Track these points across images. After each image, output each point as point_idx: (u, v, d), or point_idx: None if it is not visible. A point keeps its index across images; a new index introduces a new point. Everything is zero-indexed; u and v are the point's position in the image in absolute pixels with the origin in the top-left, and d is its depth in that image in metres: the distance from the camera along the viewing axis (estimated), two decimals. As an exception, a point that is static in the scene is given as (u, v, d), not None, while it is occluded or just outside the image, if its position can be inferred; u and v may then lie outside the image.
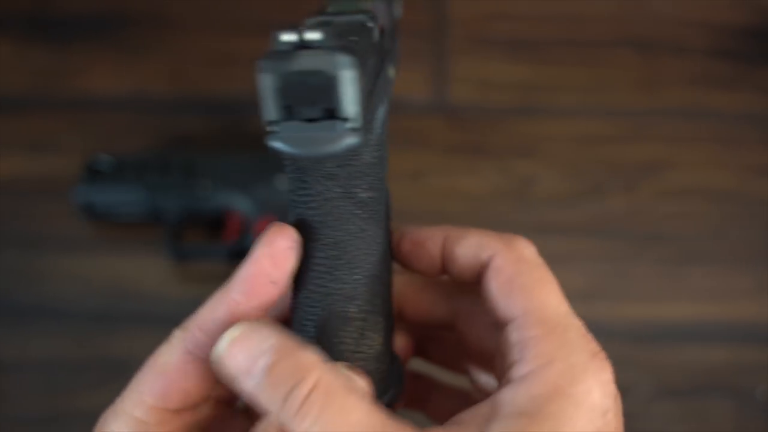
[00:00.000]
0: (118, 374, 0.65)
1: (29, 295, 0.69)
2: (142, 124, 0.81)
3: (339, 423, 0.30)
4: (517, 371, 0.33)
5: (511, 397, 0.32)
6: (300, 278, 0.36)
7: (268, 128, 0.32)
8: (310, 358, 0.31)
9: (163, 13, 0.86)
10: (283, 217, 0.72)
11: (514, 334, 0.34)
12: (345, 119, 0.32)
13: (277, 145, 0.32)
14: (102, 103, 0.81)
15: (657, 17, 0.87)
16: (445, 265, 0.39)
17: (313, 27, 0.31)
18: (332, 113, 0.32)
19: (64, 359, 0.66)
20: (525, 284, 0.35)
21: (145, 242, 0.72)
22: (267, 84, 0.31)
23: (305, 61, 0.31)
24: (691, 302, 0.70)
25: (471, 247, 0.37)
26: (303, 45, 0.31)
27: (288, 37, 0.31)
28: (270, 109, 0.32)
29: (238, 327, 0.33)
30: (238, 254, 0.71)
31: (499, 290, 0.35)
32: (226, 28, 0.86)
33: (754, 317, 0.69)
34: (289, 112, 0.32)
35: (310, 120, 0.32)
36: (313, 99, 0.32)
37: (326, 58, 0.31)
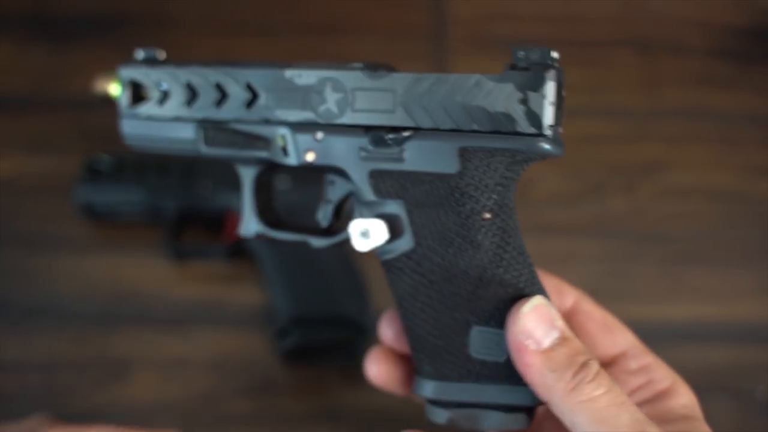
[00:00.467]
0: (118, 374, 0.65)
1: (29, 295, 0.69)
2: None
3: (623, 397, 0.38)
4: (655, 388, 0.44)
5: (670, 406, 0.44)
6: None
7: (547, 131, 0.39)
8: (584, 347, 0.40)
9: (163, 13, 0.86)
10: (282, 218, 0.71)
11: (632, 363, 0.45)
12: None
13: (549, 149, 0.40)
14: (102, 103, 0.81)
15: (657, 17, 0.87)
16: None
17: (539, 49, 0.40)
18: (560, 119, 0.40)
19: (65, 359, 0.66)
20: (615, 323, 0.46)
21: (145, 242, 0.72)
22: (554, 90, 0.39)
23: (562, 75, 0.40)
24: (690, 302, 0.70)
25: (553, 287, 0.47)
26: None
27: (554, 53, 0.40)
28: (549, 114, 0.39)
29: (539, 298, 0.41)
30: (237, 254, 0.71)
31: (599, 331, 0.46)
32: (226, 28, 0.86)
33: (754, 317, 0.69)
34: (557, 116, 0.40)
35: (557, 123, 0.40)
36: (560, 106, 0.40)
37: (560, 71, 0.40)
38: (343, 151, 0.43)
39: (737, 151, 0.79)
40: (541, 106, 0.39)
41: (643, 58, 0.84)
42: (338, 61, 0.45)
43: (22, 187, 0.76)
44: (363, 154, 0.43)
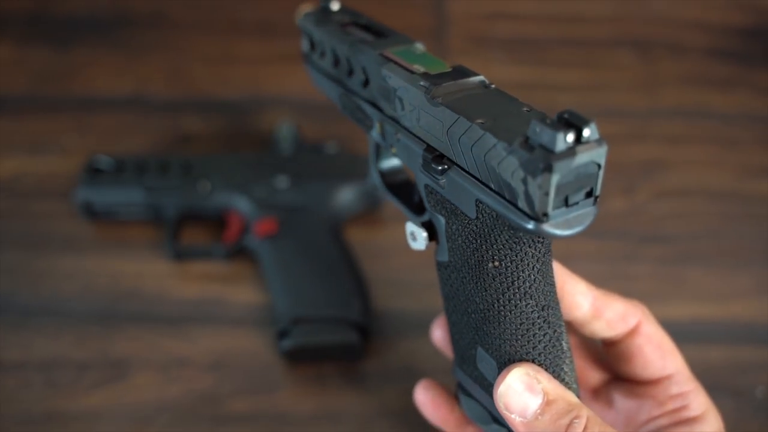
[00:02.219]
0: (118, 374, 0.65)
1: (29, 295, 0.69)
2: (142, 124, 0.81)
3: None
4: (686, 414, 0.48)
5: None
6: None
7: (540, 218, 0.37)
8: (575, 398, 0.41)
9: (163, 13, 0.86)
10: (281, 217, 0.72)
11: (674, 388, 0.48)
12: (596, 197, 0.38)
13: (551, 231, 0.37)
14: (102, 103, 0.81)
15: (657, 17, 0.87)
16: (590, 321, 0.49)
17: (577, 120, 0.35)
18: (590, 193, 0.37)
19: (65, 359, 0.66)
20: (671, 349, 0.49)
21: (145, 242, 0.72)
22: (554, 182, 0.35)
23: (584, 157, 0.36)
24: (690, 302, 0.70)
25: (618, 311, 0.49)
26: (579, 141, 0.35)
27: (569, 137, 0.35)
28: (549, 203, 0.36)
29: (516, 371, 0.42)
30: (237, 254, 0.71)
31: (654, 353, 0.48)
32: (226, 28, 0.86)
33: (754, 317, 0.69)
34: (565, 202, 0.37)
35: (572, 204, 0.37)
36: (580, 185, 0.37)
37: (599, 150, 0.36)
38: (413, 157, 0.45)
39: (737, 151, 0.79)
40: (535, 194, 0.36)
41: (643, 58, 0.84)
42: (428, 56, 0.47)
43: (23, 187, 0.76)
44: (420, 166, 0.45)
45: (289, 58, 0.84)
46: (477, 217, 0.41)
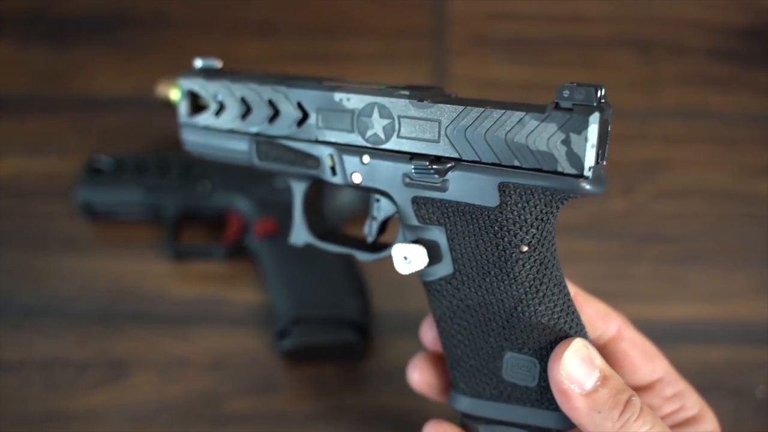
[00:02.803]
0: (118, 374, 0.65)
1: (30, 295, 0.69)
2: (142, 124, 0.81)
3: (665, 429, 0.41)
4: (685, 415, 0.48)
5: None
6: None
7: (585, 174, 0.39)
8: (623, 381, 0.42)
9: (163, 13, 0.86)
10: (281, 217, 0.71)
11: (667, 389, 0.48)
12: (605, 158, 0.40)
13: (591, 189, 0.39)
14: (102, 103, 0.81)
15: (657, 17, 0.87)
16: None
17: (590, 84, 0.39)
18: (603, 155, 0.40)
19: (65, 359, 0.66)
20: (655, 352, 0.49)
21: (145, 242, 0.72)
22: (596, 132, 0.38)
23: (608, 110, 0.39)
24: (689, 302, 0.70)
25: (600, 309, 0.49)
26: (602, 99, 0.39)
27: (600, 92, 0.39)
28: (593, 155, 0.39)
29: (578, 341, 0.42)
30: (237, 254, 0.71)
31: (640, 356, 0.48)
32: (226, 28, 0.86)
33: (753, 317, 0.69)
34: (596, 158, 0.39)
35: (599, 162, 0.40)
36: (603, 142, 0.40)
37: (610, 109, 0.40)
38: (388, 176, 0.44)
39: (737, 151, 0.79)
40: (583, 148, 0.38)
41: (643, 58, 0.84)
42: (384, 84, 0.45)
43: (23, 187, 0.76)
44: (407, 180, 0.43)
45: (289, 58, 0.84)
46: (500, 204, 0.41)
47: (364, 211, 0.73)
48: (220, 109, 0.49)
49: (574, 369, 0.41)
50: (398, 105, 0.43)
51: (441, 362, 0.51)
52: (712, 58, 0.84)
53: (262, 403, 0.64)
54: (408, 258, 0.44)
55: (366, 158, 0.45)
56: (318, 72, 0.83)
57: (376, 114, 0.44)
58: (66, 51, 0.84)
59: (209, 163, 0.74)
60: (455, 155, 0.42)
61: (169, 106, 0.53)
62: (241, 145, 0.49)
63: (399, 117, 0.43)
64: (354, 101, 0.44)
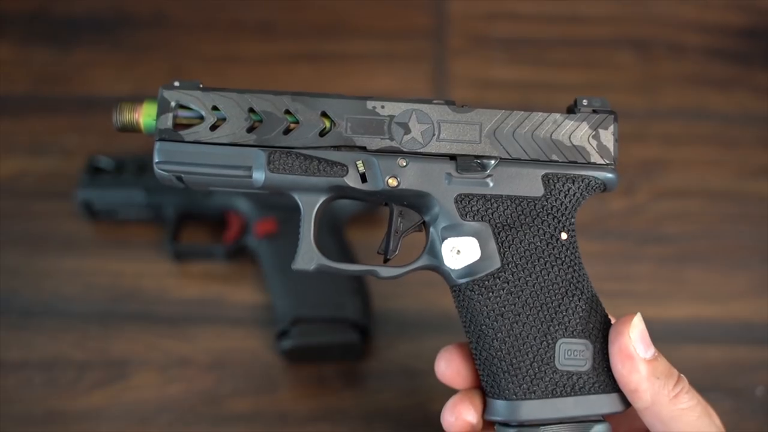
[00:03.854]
0: (118, 374, 0.66)
1: (30, 295, 0.69)
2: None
3: (709, 409, 0.45)
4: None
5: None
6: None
7: (615, 163, 0.47)
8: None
9: (163, 13, 0.86)
10: (281, 217, 0.71)
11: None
12: None
13: (614, 177, 0.48)
14: (102, 103, 0.81)
15: (657, 17, 0.87)
16: None
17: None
18: None
19: (65, 359, 0.66)
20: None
21: (145, 242, 0.72)
22: (616, 130, 0.48)
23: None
24: (689, 302, 0.70)
25: None
26: None
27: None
28: (615, 149, 0.48)
29: (639, 316, 0.45)
30: (237, 254, 0.71)
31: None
32: (226, 28, 0.86)
33: (753, 317, 0.69)
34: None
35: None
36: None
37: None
38: (429, 177, 0.47)
39: (736, 151, 0.79)
40: (610, 142, 0.47)
41: (643, 58, 0.84)
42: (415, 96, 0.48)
43: (23, 187, 0.76)
44: (450, 179, 0.46)
45: (289, 58, 0.84)
46: (545, 194, 0.46)
47: (364, 212, 0.73)
48: (217, 121, 0.47)
49: (638, 337, 0.44)
50: (436, 110, 0.47)
51: (470, 354, 0.49)
52: (712, 59, 0.84)
53: (262, 403, 0.64)
54: (460, 250, 0.46)
55: (402, 162, 0.47)
56: (318, 72, 0.84)
57: (413, 120, 0.47)
58: (66, 51, 0.84)
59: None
60: (496, 154, 0.47)
61: (131, 131, 0.49)
62: (245, 159, 0.47)
63: (438, 121, 0.47)
64: (389, 108, 0.47)
